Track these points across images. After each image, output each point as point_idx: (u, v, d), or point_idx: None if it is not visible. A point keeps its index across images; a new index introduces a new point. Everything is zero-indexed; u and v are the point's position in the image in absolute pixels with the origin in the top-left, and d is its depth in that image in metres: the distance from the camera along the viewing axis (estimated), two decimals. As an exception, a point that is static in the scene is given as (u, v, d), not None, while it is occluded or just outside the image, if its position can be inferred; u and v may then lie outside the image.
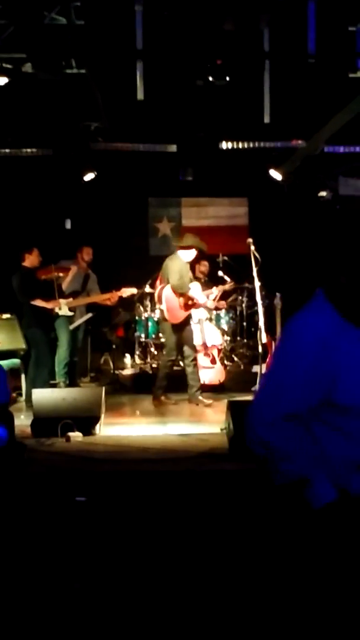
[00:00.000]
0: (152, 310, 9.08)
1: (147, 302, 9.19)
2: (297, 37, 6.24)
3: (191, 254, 7.65)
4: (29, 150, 8.07)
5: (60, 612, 3.02)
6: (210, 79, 5.81)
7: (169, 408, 7.68)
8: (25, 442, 5.53)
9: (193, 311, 9.00)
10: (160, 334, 7.86)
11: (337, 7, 6.15)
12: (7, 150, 8.04)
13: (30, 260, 7.70)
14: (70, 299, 7.93)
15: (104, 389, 6.66)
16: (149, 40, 6.24)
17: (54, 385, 7.67)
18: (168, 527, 3.96)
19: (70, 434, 5.82)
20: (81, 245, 8.55)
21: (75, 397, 6.25)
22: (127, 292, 8.08)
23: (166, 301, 7.57)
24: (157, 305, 7.66)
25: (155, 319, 9.02)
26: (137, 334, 9.44)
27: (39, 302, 7.59)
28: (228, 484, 4.66)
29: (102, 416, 6.26)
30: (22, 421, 6.29)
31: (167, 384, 7.77)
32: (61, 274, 7.90)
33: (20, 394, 7.84)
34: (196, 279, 9.31)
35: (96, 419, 6.10)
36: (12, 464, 4.84)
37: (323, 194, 9.81)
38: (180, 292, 7.55)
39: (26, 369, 7.77)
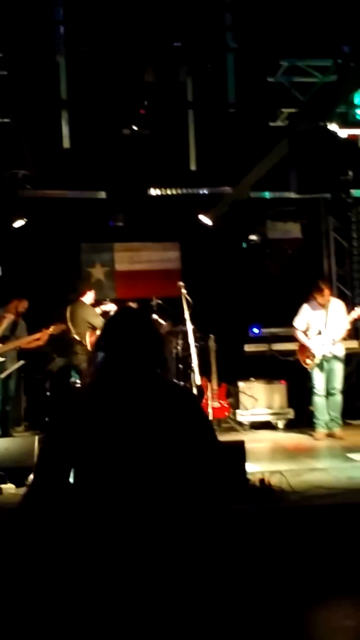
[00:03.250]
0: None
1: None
2: (218, 87, 6.46)
3: (90, 296, 7.74)
4: None
5: None
6: (135, 128, 5.93)
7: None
8: None
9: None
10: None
11: (255, 58, 6.42)
12: None
13: None
14: (0, 345, 7.82)
15: (37, 438, 6.50)
16: (74, 89, 6.35)
17: (-14, 436, 7.45)
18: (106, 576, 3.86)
19: (3, 485, 5.64)
20: (18, 297, 8.48)
21: (7, 447, 6.07)
22: (57, 328, 8.04)
23: None
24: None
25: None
26: (72, 379, 9.31)
27: None
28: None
29: (36, 466, 6.10)
30: None
31: None
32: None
33: None
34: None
35: (29, 470, 5.93)
36: None
37: (253, 237, 10.07)
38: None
39: None
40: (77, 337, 7.57)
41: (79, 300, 7.70)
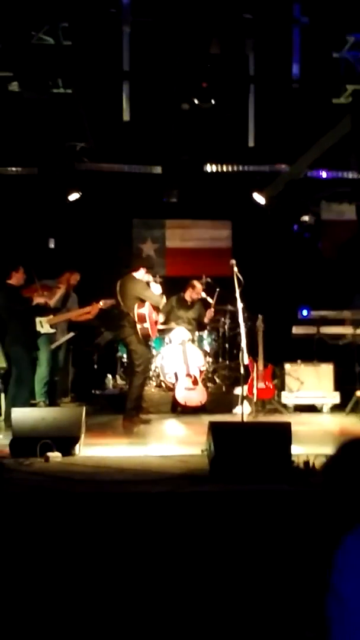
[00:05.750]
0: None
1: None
2: (282, 62, 6.33)
3: (142, 273, 7.77)
4: (14, 168, 8.07)
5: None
6: (196, 101, 5.86)
7: (150, 429, 7.62)
8: (3, 462, 5.45)
9: (175, 332, 9.01)
10: (135, 355, 7.74)
11: (322, 33, 6.25)
12: (-8, 168, 8.05)
13: (17, 278, 7.60)
14: (51, 316, 7.90)
15: (84, 408, 6.58)
16: (136, 61, 6.30)
17: (34, 405, 7.58)
18: (147, 549, 3.91)
19: (49, 454, 5.73)
20: (70, 269, 8.56)
21: (55, 416, 6.17)
22: (107, 303, 8.09)
23: (149, 319, 7.62)
24: (140, 325, 7.63)
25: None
26: (119, 354, 9.39)
27: (37, 298, 7.59)
28: (208, 506, 4.60)
29: (82, 436, 6.19)
30: (1, 441, 6.20)
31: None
32: (45, 293, 7.88)
33: (0, 414, 7.74)
34: (184, 301, 9.30)
35: (76, 439, 6.02)
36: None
37: (305, 218, 9.91)
38: (158, 308, 7.89)
39: (6, 388, 7.67)
40: (125, 310, 7.61)
41: (130, 274, 7.73)
